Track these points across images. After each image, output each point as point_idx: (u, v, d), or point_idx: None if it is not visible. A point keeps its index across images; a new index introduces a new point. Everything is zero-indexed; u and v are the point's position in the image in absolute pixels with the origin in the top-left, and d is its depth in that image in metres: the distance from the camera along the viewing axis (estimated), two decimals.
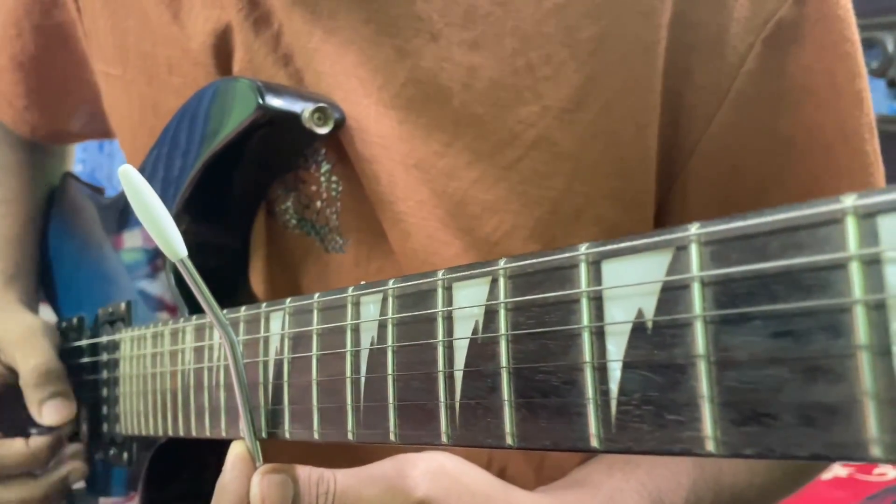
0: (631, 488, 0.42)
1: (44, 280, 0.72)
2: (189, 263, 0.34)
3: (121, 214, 0.59)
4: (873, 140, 0.47)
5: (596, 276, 0.23)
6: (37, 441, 0.57)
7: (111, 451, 0.58)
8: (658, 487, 0.43)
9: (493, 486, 0.37)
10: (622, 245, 0.22)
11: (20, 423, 0.59)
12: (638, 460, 0.44)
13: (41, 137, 0.72)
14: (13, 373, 0.59)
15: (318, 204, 0.50)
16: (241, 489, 0.34)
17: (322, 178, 0.50)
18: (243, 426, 0.36)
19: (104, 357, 0.57)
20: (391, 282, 0.30)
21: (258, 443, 0.36)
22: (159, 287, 0.53)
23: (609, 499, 0.41)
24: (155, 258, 0.53)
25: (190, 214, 0.51)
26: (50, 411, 0.56)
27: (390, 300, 0.30)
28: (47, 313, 0.70)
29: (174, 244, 0.33)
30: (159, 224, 0.33)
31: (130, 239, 0.57)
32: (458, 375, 0.27)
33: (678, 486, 0.43)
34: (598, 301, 0.23)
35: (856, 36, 0.46)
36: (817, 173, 0.46)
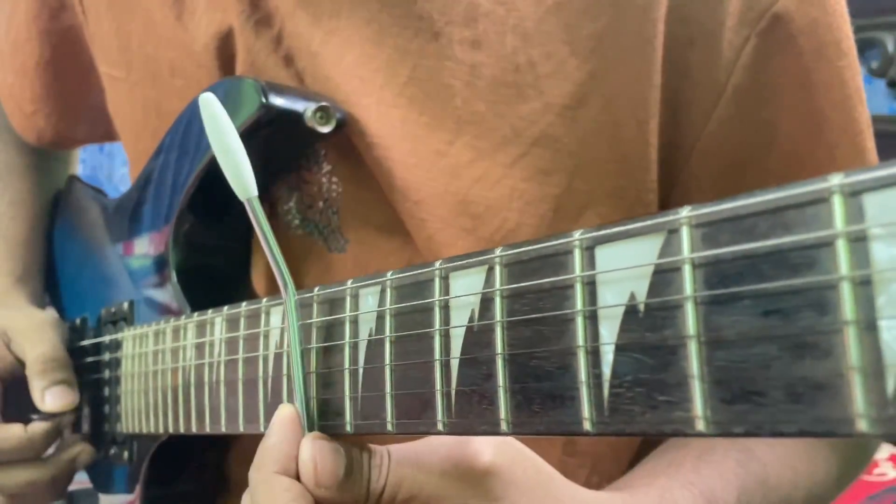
0: (679, 485, 0.40)
1: (48, 282, 0.72)
2: (257, 204, 0.32)
3: (130, 219, 0.59)
4: (871, 137, 0.47)
5: (590, 262, 0.23)
6: (35, 427, 0.57)
7: (112, 450, 0.58)
8: (708, 486, 0.41)
9: (554, 470, 0.35)
10: (615, 230, 0.23)
11: (23, 413, 0.60)
12: (681, 461, 0.43)
13: (46, 144, 0.72)
14: (21, 364, 0.59)
15: (321, 204, 0.50)
16: (288, 451, 0.31)
17: (323, 179, 0.50)
18: (295, 389, 0.33)
19: (106, 356, 0.58)
20: (389, 273, 0.30)
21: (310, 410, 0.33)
22: (165, 294, 0.53)
23: (659, 498, 0.39)
24: (162, 266, 0.53)
25: (193, 213, 0.51)
26: (52, 398, 0.57)
27: (388, 291, 0.30)
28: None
29: (246, 180, 0.32)
30: (234, 157, 0.32)
31: (139, 246, 0.57)
32: (455, 363, 0.27)
33: (727, 483, 0.42)
34: (591, 286, 0.23)
35: (850, 31, 0.46)
36: (821, 168, 0.46)
